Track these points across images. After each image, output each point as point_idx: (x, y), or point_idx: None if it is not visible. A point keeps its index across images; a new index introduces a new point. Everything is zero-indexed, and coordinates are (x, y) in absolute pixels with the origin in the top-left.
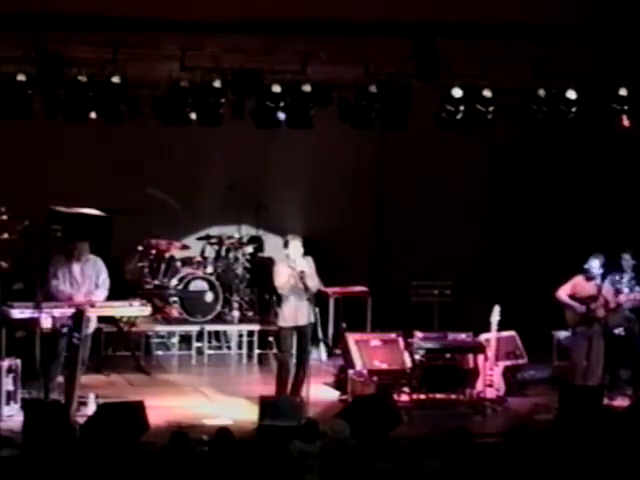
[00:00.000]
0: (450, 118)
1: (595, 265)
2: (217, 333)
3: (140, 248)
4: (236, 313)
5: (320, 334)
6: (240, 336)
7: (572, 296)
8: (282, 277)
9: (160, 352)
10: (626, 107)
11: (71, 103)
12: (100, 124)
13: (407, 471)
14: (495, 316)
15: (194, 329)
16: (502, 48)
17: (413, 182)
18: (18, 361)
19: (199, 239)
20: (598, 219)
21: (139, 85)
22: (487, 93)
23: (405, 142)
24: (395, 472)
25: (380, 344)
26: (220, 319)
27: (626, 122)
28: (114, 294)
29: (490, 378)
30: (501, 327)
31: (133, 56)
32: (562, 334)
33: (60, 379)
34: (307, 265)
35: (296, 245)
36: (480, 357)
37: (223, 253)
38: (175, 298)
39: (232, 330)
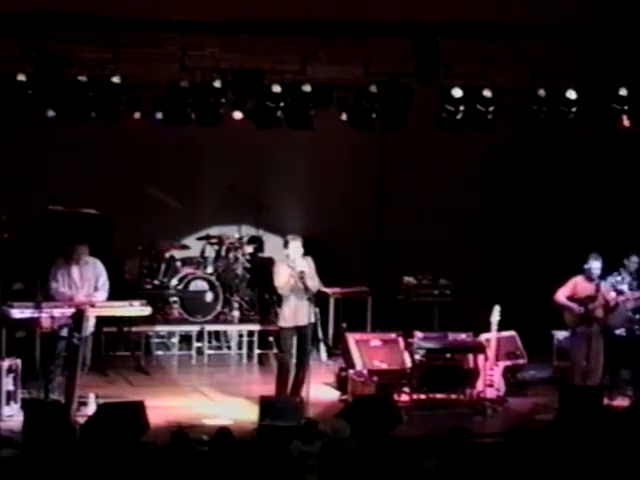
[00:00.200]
0: (450, 118)
1: (596, 265)
2: (217, 333)
3: (140, 248)
4: (236, 313)
5: (320, 334)
6: (240, 336)
7: (571, 297)
8: (282, 277)
9: (160, 352)
10: (626, 107)
11: (71, 103)
12: (100, 124)
13: (407, 471)
14: (495, 316)
15: (194, 329)
16: (502, 48)
17: (413, 182)
18: (18, 361)
19: (199, 239)
20: (598, 219)
21: (139, 85)
22: (487, 93)
23: (405, 142)
24: (395, 472)
25: (380, 344)
26: (220, 319)
27: (626, 122)
28: (114, 294)
29: (490, 378)
30: (501, 327)
31: (133, 56)
32: (562, 334)
33: (60, 379)
34: (307, 265)
35: (296, 245)
36: (480, 357)
37: (223, 253)
38: (175, 298)
39: (232, 330)
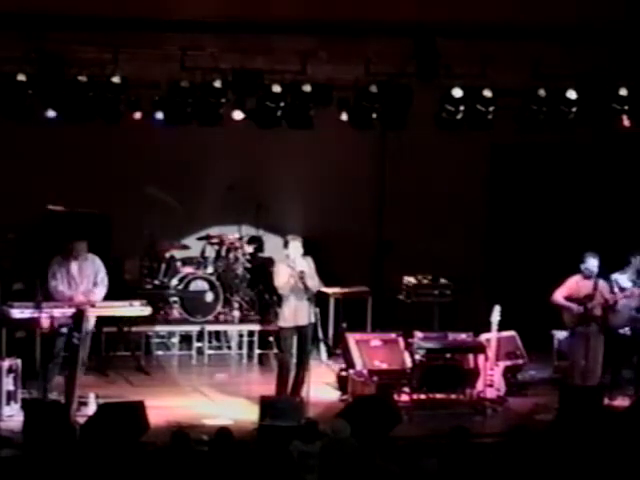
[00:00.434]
0: (450, 118)
1: (593, 263)
2: (217, 333)
3: (140, 248)
4: (236, 313)
5: (320, 334)
6: (240, 336)
7: (569, 297)
8: (282, 277)
9: (160, 352)
10: (626, 107)
11: (71, 103)
12: (100, 124)
13: (407, 471)
14: (495, 316)
15: (194, 329)
16: (502, 48)
17: (413, 182)
18: (18, 361)
19: (199, 239)
20: (598, 219)
21: (139, 85)
22: (487, 93)
23: (405, 142)
24: (395, 472)
25: (380, 344)
26: (220, 319)
27: (626, 122)
28: (115, 294)
29: (490, 378)
30: (501, 327)
31: (133, 56)
32: (561, 334)
33: (60, 379)
34: (307, 265)
35: (296, 245)
36: (480, 357)
37: (223, 253)
38: (175, 298)
39: (232, 330)
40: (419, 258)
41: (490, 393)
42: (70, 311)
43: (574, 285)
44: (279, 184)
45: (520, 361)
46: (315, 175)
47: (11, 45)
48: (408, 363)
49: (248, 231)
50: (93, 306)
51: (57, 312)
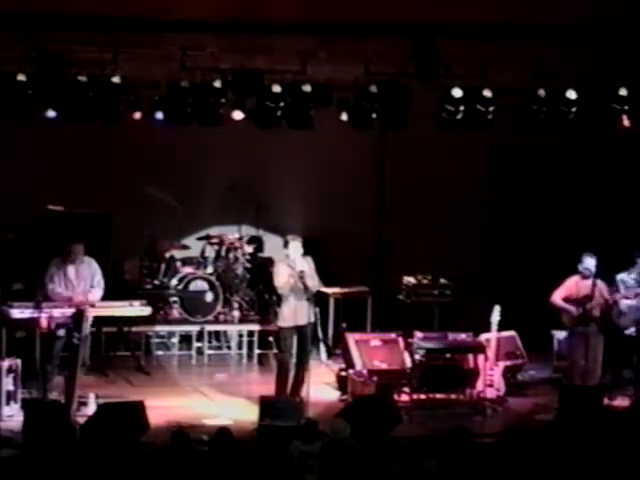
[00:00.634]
0: (450, 118)
1: (591, 263)
2: (217, 333)
3: (140, 248)
4: (236, 313)
5: (320, 334)
6: (240, 336)
7: (568, 297)
8: (282, 277)
9: (160, 352)
10: (626, 107)
11: (71, 103)
12: (100, 124)
13: (407, 471)
14: (495, 316)
15: (194, 329)
16: (502, 48)
17: (413, 182)
18: (18, 361)
19: (199, 239)
20: (598, 219)
21: (139, 85)
22: (487, 93)
23: (405, 142)
24: (395, 472)
25: (380, 344)
26: (220, 319)
27: (626, 122)
28: (115, 294)
29: (490, 378)
30: (501, 327)
31: (133, 56)
32: (561, 334)
33: (60, 379)
34: (307, 265)
35: (296, 245)
36: (480, 357)
37: (223, 253)
38: (175, 298)
39: (232, 330)
40: (419, 258)
41: (490, 393)
42: (70, 311)
43: (573, 286)
44: (279, 184)
45: (520, 361)
46: (315, 175)
47: (11, 45)
48: (408, 363)
49: (248, 231)
50: (93, 306)
51: (57, 312)
